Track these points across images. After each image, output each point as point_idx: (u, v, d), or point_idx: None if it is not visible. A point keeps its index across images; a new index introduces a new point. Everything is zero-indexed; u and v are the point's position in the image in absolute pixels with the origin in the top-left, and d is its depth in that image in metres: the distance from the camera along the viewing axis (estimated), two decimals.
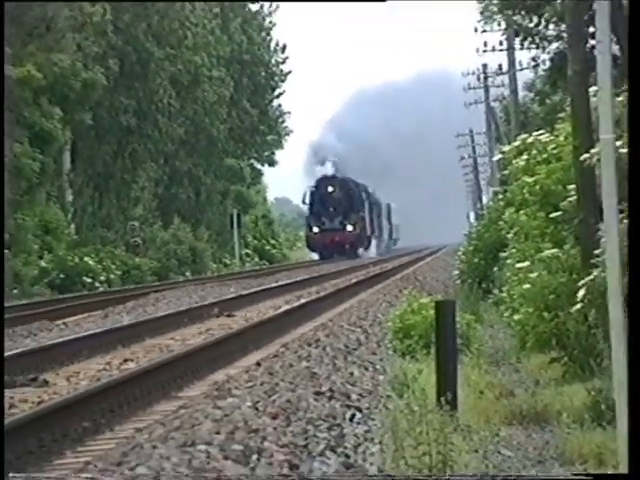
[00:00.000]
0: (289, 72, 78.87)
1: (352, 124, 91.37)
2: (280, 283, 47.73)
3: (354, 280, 46.23)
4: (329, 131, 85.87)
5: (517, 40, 43.87)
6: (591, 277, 13.39)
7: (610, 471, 6.53)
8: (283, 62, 77.77)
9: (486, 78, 56.40)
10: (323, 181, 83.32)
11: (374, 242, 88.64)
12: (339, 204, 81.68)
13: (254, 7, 77.97)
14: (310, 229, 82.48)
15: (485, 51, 51.06)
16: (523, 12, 41.06)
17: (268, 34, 73.90)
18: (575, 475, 6.74)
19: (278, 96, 80.00)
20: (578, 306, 14.02)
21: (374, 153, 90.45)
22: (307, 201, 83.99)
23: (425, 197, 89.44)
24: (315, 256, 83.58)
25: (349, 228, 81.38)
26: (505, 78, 50.49)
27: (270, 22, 77.48)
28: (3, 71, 19.50)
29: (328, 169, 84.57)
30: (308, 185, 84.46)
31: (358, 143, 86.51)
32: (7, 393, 18.35)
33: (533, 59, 42.55)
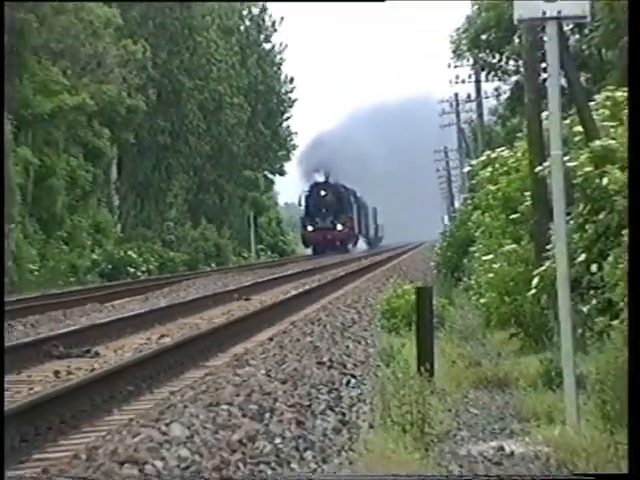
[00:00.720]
0: (296, 100, 77.14)
1: (346, 140, 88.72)
2: (288, 273, 48.47)
3: (349, 270, 47.08)
4: (325, 146, 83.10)
5: (483, 74, 43.27)
6: (543, 268, 13.47)
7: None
8: (291, 91, 76.59)
9: (457, 105, 55.99)
10: (316, 186, 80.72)
11: (361, 239, 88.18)
12: (330, 206, 78.23)
13: (267, 46, 75.10)
14: (305, 228, 79.29)
15: (457, 82, 51.44)
16: (488, 50, 40.34)
17: (279, 68, 73.93)
18: (576, 475, 5.65)
19: (287, 119, 78.63)
20: (533, 292, 14.13)
21: (364, 165, 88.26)
22: (302, 203, 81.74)
23: (407, 202, 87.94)
24: (308, 251, 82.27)
25: (339, 227, 78.18)
26: (473, 105, 50.07)
27: (280, 58, 75.66)
28: (3, 71, 20.18)
29: (322, 176, 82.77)
30: (303, 189, 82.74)
31: (351, 156, 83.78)
32: (65, 362, 18.34)
33: (496, 89, 43.76)
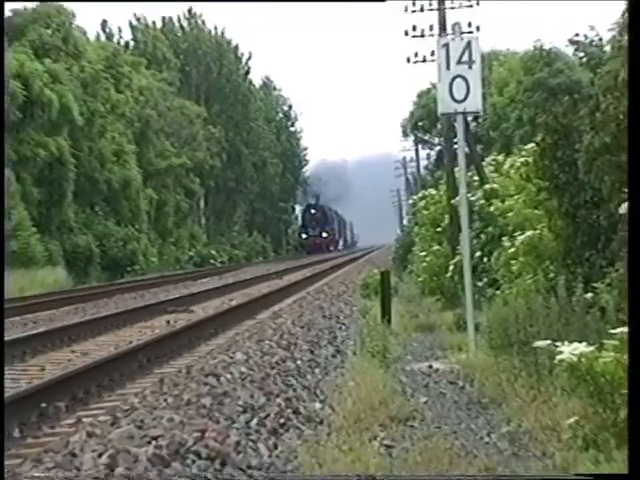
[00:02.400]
0: (309, 160, 79.89)
1: (335, 178, 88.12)
2: (305, 262, 51.17)
3: (338, 262, 48.71)
4: (319, 181, 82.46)
5: (420, 145, 43.71)
6: (455, 260, 13.57)
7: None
8: (305, 154, 76.81)
9: (405, 164, 56.28)
10: (309, 206, 79.14)
11: (341, 242, 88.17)
12: (319, 220, 75.90)
13: (292, 129, 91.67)
14: (300, 235, 76.89)
15: (403, 150, 51.45)
16: (423, 131, 40.82)
17: (298, 141, 72.79)
18: (577, 475, 4.33)
19: (304, 171, 79.15)
20: (449, 274, 13.91)
21: (344, 195, 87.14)
22: (299, 218, 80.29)
23: (374, 219, 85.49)
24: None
25: (324, 235, 75.87)
26: (414, 164, 49.67)
27: (300, 136, 75.66)
28: (3, 71, 14.14)
29: (312, 200, 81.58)
30: (300, 209, 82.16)
31: (336, 189, 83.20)
32: (173, 316, 17.78)
33: (427, 154, 43.66)
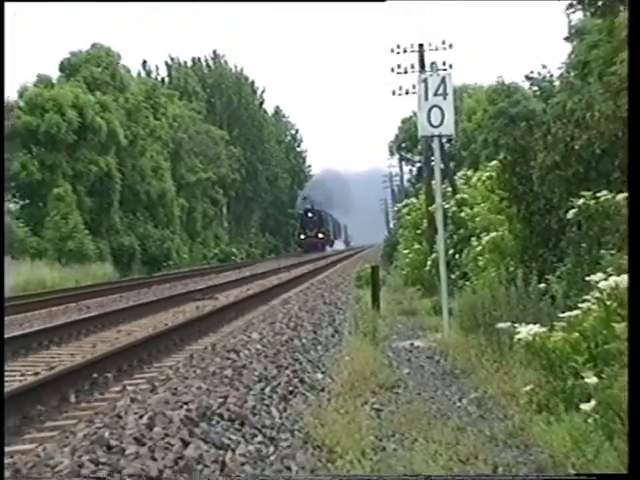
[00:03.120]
0: (313, 175, 77.69)
1: (326, 188, 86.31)
2: (309, 258, 50.80)
3: (338, 258, 49.62)
4: (316, 189, 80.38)
5: (403, 162, 44.05)
6: (432, 256, 13.37)
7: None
8: (309, 170, 77.70)
9: (391, 177, 56.83)
10: (307, 210, 74.39)
11: (336, 243, 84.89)
12: (315, 223, 72.33)
13: (298, 149, 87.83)
14: (299, 236, 72.70)
15: (390, 166, 51.69)
16: (406, 151, 40.77)
17: (304, 160, 73.76)
18: (577, 475, 3.86)
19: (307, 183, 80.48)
20: (427, 268, 13.80)
21: (339, 202, 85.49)
22: (299, 221, 74.96)
23: (366, 223, 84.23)
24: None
25: (320, 235, 72.54)
26: (399, 177, 49.93)
27: (305, 156, 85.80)
28: (3, 71, 4.47)
29: (310, 205, 76.18)
30: (299, 213, 76.56)
31: (330, 197, 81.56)
32: (200, 302, 17.59)
33: (410, 170, 43.03)
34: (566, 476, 3.95)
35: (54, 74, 37.00)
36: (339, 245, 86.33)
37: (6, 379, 7.97)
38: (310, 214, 72.51)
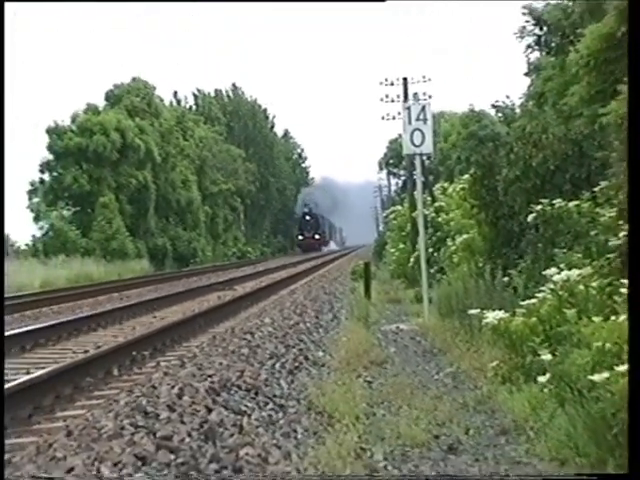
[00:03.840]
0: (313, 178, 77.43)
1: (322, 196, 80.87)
2: (311, 256, 49.84)
3: (336, 256, 47.27)
4: (313, 195, 76.12)
5: (391, 176, 44.47)
6: (415, 254, 13.24)
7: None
8: (313, 182, 75.45)
9: (380, 189, 57.48)
10: (304, 214, 70.10)
11: (331, 244, 79.82)
12: (312, 225, 67.88)
13: (303, 165, 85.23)
14: (297, 237, 68.39)
15: (379, 179, 52.47)
16: (393, 166, 40.62)
17: (307, 173, 72.36)
18: (578, 475, 3.24)
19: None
20: (410, 264, 13.77)
21: (337, 208, 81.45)
22: (297, 223, 70.27)
23: (359, 226, 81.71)
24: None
25: (317, 237, 67.97)
26: (386, 189, 50.17)
27: (308, 170, 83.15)
28: (3, 70, 3.80)
29: (307, 209, 71.47)
30: (297, 216, 71.93)
31: (326, 204, 77.02)
32: (222, 292, 17.54)
33: (396, 182, 43.42)
34: (566, 476, 3.54)
35: (100, 102, 36.96)
36: (334, 246, 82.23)
37: (60, 356, 8.06)
38: (308, 217, 69.01)
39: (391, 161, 52.12)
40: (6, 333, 8.85)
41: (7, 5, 3.78)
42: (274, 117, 72.85)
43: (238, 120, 64.22)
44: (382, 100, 23.25)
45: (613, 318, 4.01)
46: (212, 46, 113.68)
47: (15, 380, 5.73)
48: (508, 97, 37.55)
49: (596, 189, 6.95)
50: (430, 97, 21.95)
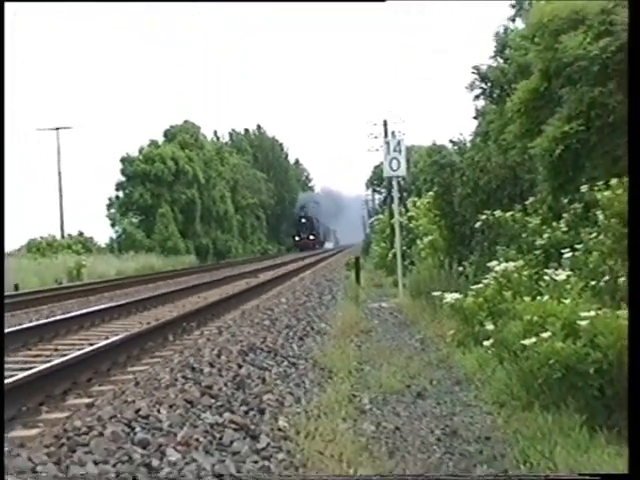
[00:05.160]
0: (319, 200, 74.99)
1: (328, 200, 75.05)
2: (315, 252, 46.39)
3: (333, 252, 42.14)
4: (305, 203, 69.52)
5: (375, 193, 43.65)
6: (392, 251, 12.95)
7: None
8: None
9: (367, 203, 56.89)
10: (301, 217, 62.47)
11: (326, 244, 71.45)
12: (308, 227, 60.26)
13: (310, 185, 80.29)
14: (294, 238, 60.29)
15: (366, 195, 51.19)
16: (377, 186, 39.89)
17: (312, 189, 71.05)
18: (581, 475, 2.30)
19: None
20: (389, 258, 13.64)
21: (328, 214, 75.25)
22: (295, 225, 62.50)
23: (350, 229, 76.61)
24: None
25: (312, 237, 60.52)
26: (371, 203, 49.00)
27: (313, 188, 78.77)
28: (3, 72, 2.87)
29: (303, 213, 64.05)
30: (294, 219, 63.86)
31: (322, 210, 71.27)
32: (248, 279, 16.43)
33: (379, 197, 42.84)
34: (568, 476, 2.72)
35: (159, 138, 37.15)
36: (328, 245, 75.08)
37: (130, 326, 7.86)
38: (304, 220, 62.17)
39: (375, 181, 52.43)
40: (96, 308, 8.74)
41: (7, 5, 2.97)
42: (288, 149, 74.66)
43: (261, 151, 65.17)
44: (368, 137, 23.63)
45: (539, 298, 3.99)
46: (212, 46, 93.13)
47: (96, 344, 5.74)
48: (461, 134, 37.95)
49: (527, 203, 7.02)
50: (404, 134, 22.37)
